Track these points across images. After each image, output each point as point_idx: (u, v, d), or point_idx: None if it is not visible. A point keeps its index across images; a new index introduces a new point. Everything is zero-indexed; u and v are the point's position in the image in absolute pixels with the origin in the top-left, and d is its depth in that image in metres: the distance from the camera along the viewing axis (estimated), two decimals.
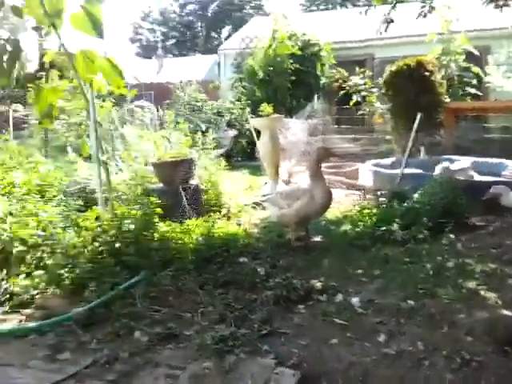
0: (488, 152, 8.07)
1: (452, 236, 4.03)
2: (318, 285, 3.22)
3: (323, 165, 4.38)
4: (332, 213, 5.16)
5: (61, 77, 5.67)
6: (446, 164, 5.90)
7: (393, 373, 2.17)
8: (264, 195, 5.20)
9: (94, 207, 3.99)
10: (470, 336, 2.43)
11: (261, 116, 6.65)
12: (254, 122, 6.80)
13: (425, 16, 6.96)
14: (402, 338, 2.48)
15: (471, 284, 3.12)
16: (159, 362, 2.40)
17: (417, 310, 2.78)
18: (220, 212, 5.15)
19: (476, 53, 10.37)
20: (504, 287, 3.07)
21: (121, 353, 2.48)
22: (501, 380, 2.09)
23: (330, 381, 2.14)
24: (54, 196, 4.72)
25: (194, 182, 5.14)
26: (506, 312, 2.66)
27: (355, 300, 2.96)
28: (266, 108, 6.53)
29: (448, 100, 9.17)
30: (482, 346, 2.34)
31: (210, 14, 42.49)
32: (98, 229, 3.68)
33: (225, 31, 42.54)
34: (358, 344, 2.44)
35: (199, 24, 43.18)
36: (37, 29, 3.99)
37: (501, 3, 6.30)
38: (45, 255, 3.59)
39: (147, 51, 43.50)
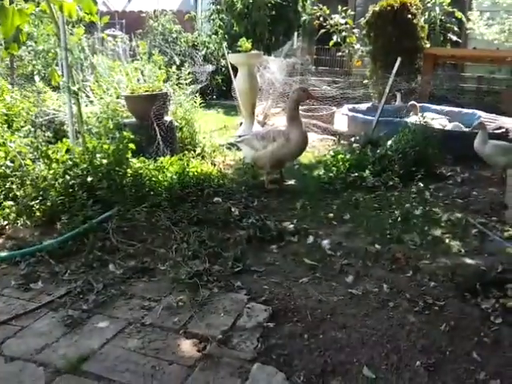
0: (462, 101, 8.16)
1: (421, 185, 4.14)
2: (291, 227, 3.30)
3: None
4: (306, 157, 5.18)
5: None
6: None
7: (358, 311, 2.29)
8: (239, 136, 5.15)
9: (65, 139, 3.88)
10: (432, 281, 2.57)
11: (238, 52, 6.41)
12: (231, 58, 6.58)
13: None
14: (368, 279, 2.60)
15: (436, 232, 3.25)
16: (134, 294, 2.46)
17: (383, 254, 2.91)
18: (194, 151, 5.09)
19: None
20: (467, 236, 3.22)
21: (95, 284, 2.52)
22: (459, 323, 2.23)
23: (299, 317, 2.25)
24: (22, 126, 4.54)
25: (168, 118, 5.02)
26: (467, 260, 2.80)
27: (325, 242, 3.06)
28: (244, 43, 6.28)
29: (428, 45, 9.08)
30: (443, 291, 2.48)
31: None
32: (69, 162, 3.60)
33: None
34: (327, 284, 2.55)
35: None
36: None
37: None
38: (14, 186, 3.52)
39: None
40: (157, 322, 2.22)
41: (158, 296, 2.43)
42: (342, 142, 6.01)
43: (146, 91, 4.99)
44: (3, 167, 3.59)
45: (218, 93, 10.83)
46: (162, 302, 2.37)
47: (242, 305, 2.33)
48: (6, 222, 3.27)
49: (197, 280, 2.51)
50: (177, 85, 6.02)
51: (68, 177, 3.48)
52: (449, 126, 5.92)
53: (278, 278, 2.60)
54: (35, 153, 3.88)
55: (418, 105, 6.25)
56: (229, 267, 2.69)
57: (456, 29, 10.25)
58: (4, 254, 2.85)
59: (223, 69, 10.69)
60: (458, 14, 10.14)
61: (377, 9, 8.56)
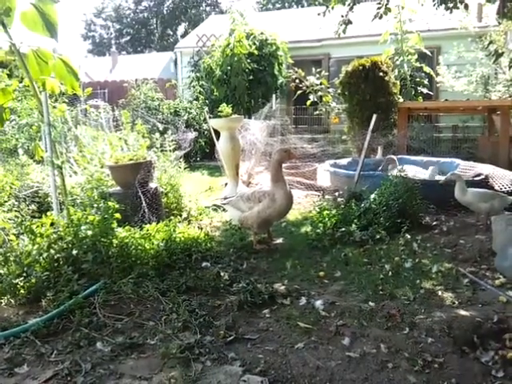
0: (440, 150, 8.41)
1: (408, 236, 4.16)
2: (282, 288, 3.24)
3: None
4: (293, 214, 5.20)
5: (9, 75, 5.39)
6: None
7: (358, 376, 2.21)
8: (225, 197, 5.17)
9: (49, 212, 3.84)
10: (430, 337, 2.51)
11: (219, 116, 6.60)
12: (212, 123, 6.74)
13: (380, 17, 7.15)
14: (365, 340, 2.53)
15: (428, 284, 3.23)
16: (123, 373, 2.34)
17: (378, 311, 2.85)
18: (181, 215, 5.09)
19: (428, 53, 10.73)
20: (459, 287, 3.20)
21: (83, 364, 2.40)
22: (461, 381, 2.16)
23: None
24: (5, 201, 4.51)
25: (153, 184, 5.04)
26: (462, 312, 2.76)
27: (318, 303, 3.00)
28: (225, 109, 6.47)
29: (401, 100, 9.45)
30: (441, 347, 2.42)
31: (165, 11, 41.81)
32: (54, 235, 3.56)
33: (180, 28, 42.02)
34: (323, 348, 2.48)
35: (154, 21, 42.37)
36: None
37: (450, 5, 6.57)
38: None
39: (100, 48, 42.34)
40: None
41: (148, 374, 2.32)
42: (326, 197, 6.08)
43: (131, 160, 5.03)
44: None
45: (201, 155, 11.02)
46: (153, 381, 2.26)
47: (236, 378, 2.23)
48: None
49: (188, 353, 2.41)
50: (161, 151, 6.10)
51: (53, 251, 3.42)
52: (427, 172, 6.06)
53: (272, 346, 2.52)
54: (19, 228, 3.83)
55: (398, 156, 6.40)
56: (221, 337, 2.60)
57: (426, 82, 10.74)
58: None
59: (206, 132, 10.93)
60: (426, 69, 10.68)
61: (349, 69, 8.97)
